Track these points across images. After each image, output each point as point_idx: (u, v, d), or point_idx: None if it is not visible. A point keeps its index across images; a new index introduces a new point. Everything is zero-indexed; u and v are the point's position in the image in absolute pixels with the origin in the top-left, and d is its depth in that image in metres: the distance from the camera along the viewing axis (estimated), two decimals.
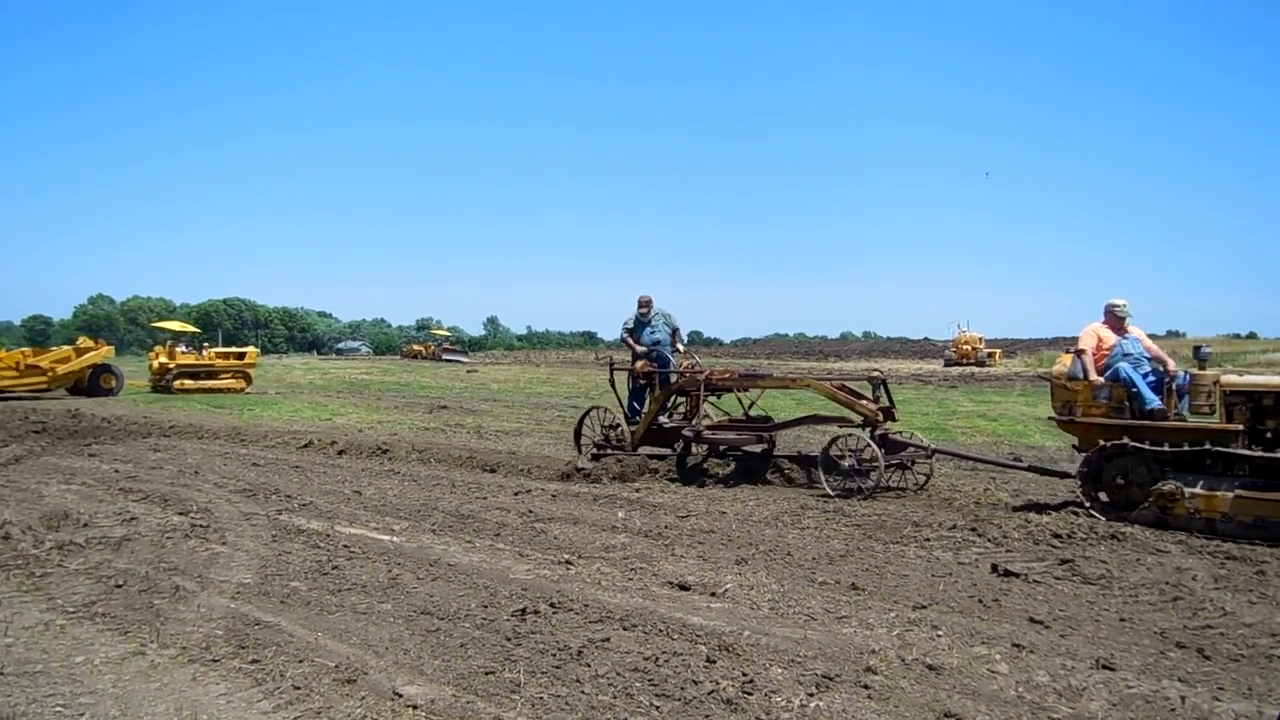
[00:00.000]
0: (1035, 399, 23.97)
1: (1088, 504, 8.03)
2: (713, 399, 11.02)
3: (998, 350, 47.06)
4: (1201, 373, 7.91)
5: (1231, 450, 7.40)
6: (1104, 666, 4.36)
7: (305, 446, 13.39)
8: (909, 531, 7.51)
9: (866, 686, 4.15)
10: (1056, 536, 7.20)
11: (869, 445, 9.15)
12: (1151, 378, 8.17)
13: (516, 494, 9.34)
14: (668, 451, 11.13)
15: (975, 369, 39.45)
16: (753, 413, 10.91)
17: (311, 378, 35.49)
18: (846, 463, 9.17)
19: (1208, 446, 7.43)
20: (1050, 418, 8.74)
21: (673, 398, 11.04)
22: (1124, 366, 8.12)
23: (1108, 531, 7.33)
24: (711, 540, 7.21)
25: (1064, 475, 9.06)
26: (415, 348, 68.89)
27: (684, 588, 5.77)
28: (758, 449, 10.61)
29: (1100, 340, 8.47)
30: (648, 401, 11.25)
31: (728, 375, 10.78)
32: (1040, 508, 8.44)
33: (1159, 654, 4.60)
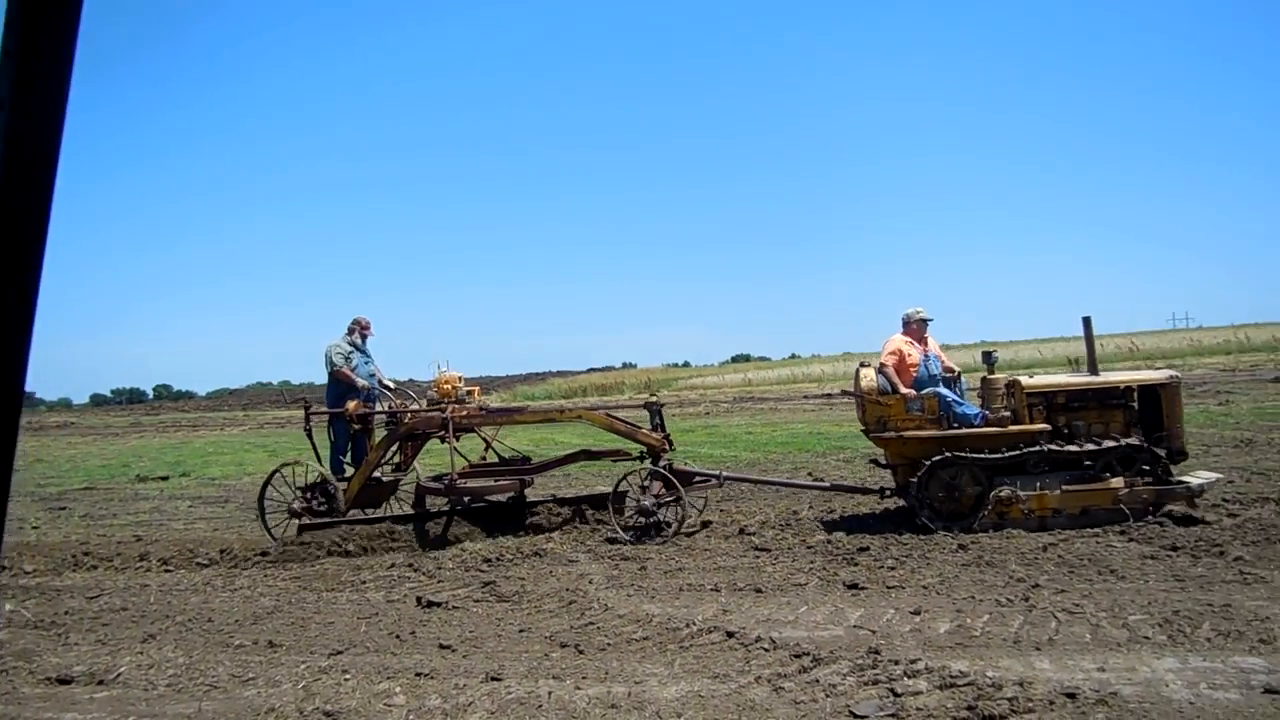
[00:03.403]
0: (506, 430, 25.56)
1: (923, 518, 7.88)
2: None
3: (476, 388, 49.73)
4: (994, 377, 8.38)
5: (1061, 450, 7.75)
6: (493, 678, 4.72)
7: None
8: (347, 577, 7.47)
9: None
10: (486, 561, 7.68)
11: (666, 478, 8.52)
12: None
13: None
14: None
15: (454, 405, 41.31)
16: (492, 455, 9.64)
17: None
18: (647, 500, 8.37)
19: (1027, 449, 7.74)
20: (871, 434, 8.37)
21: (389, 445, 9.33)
22: (943, 391, 8.21)
23: (532, 550, 8.00)
24: (120, 620, 6.46)
25: (867, 491, 9.11)
26: None
27: (65, 681, 5.06)
28: (504, 497, 9.24)
29: (904, 355, 8.46)
30: (365, 450, 9.52)
31: (467, 413, 9.38)
32: (476, 536, 8.88)
33: (544, 656, 5.10)
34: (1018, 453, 7.80)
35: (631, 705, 4.25)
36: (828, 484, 9.69)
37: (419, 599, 6.49)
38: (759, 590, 6.28)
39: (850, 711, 4.01)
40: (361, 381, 9.90)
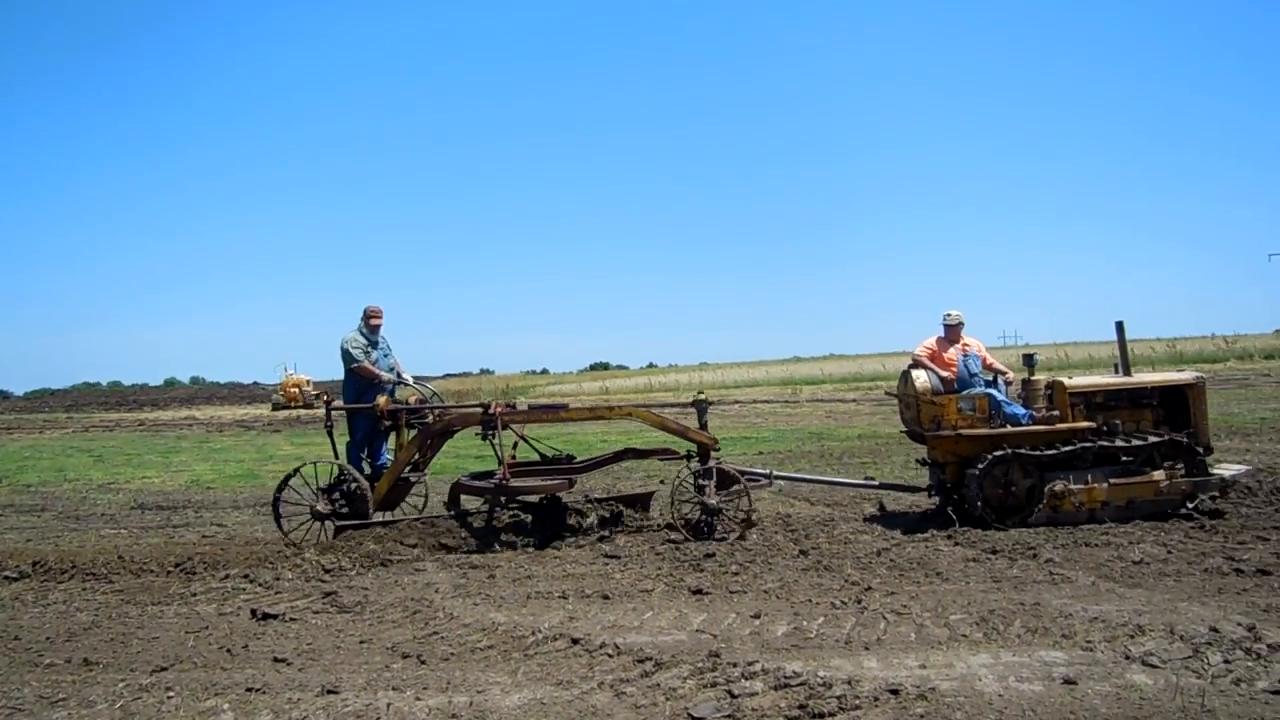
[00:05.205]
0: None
1: (979, 512, 8.12)
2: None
3: (324, 391, 47.91)
4: (1036, 378, 8.67)
5: (1113, 445, 8.17)
6: (329, 691, 4.57)
7: None
8: (176, 589, 7.07)
9: None
10: (327, 571, 7.42)
11: (725, 475, 8.48)
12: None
13: None
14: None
15: (303, 411, 39.66)
16: (517, 452, 9.09)
17: None
18: (712, 500, 8.23)
19: (1080, 444, 8.14)
20: (926, 434, 8.68)
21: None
22: (993, 392, 8.57)
23: (378, 559, 7.78)
24: None
25: (915, 490, 9.25)
26: None
27: None
28: (537, 498, 8.90)
29: (934, 352, 8.85)
30: (381, 448, 9.48)
31: (509, 408, 8.92)
32: (316, 545, 8.55)
33: (384, 667, 4.98)
34: (1073, 448, 8.19)
35: (472, 714, 4.21)
36: (877, 483, 9.81)
37: (254, 611, 6.21)
38: (606, 597, 6.33)
39: (689, 714, 4.10)
40: (385, 375, 9.50)
